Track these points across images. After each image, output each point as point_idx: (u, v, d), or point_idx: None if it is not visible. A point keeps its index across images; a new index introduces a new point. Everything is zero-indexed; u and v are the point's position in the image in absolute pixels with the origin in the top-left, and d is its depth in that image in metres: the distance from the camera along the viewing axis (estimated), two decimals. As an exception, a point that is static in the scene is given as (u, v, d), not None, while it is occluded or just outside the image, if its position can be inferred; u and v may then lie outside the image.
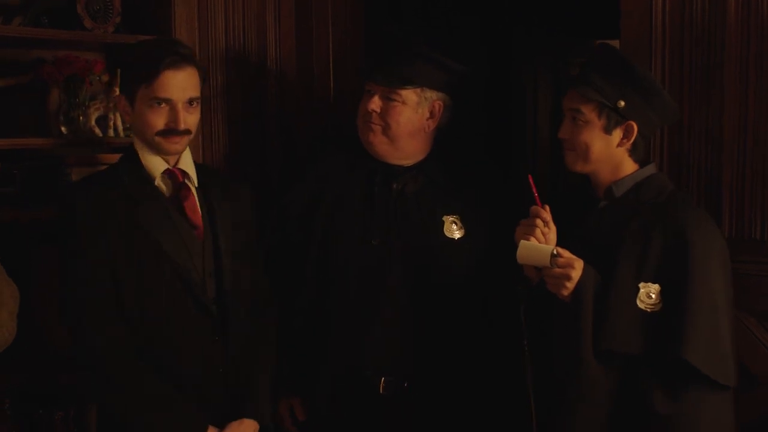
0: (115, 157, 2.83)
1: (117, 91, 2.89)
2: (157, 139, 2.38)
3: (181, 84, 2.36)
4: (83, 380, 2.48)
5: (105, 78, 2.93)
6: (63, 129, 2.89)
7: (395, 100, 2.64)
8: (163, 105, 2.36)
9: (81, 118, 2.88)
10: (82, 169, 2.81)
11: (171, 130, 2.37)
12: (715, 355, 2.19)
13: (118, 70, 2.47)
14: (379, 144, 2.68)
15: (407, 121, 2.66)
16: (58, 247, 2.39)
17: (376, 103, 2.65)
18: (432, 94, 2.68)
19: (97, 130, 2.90)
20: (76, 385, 2.77)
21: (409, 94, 2.65)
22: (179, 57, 2.36)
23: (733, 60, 2.52)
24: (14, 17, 2.86)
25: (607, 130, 2.33)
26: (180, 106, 2.37)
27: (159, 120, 2.36)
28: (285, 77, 3.25)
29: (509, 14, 5.25)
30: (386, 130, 2.66)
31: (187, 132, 2.40)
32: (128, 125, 2.94)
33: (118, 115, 2.91)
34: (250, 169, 3.15)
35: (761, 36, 2.48)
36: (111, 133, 2.91)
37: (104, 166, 2.78)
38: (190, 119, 2.40)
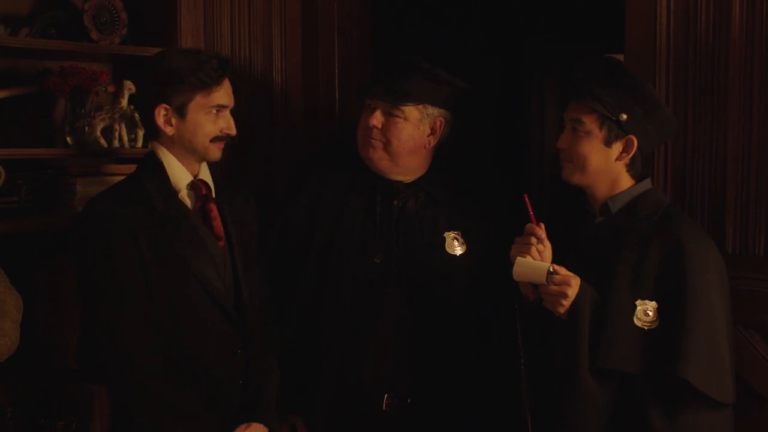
0: (119, 168, 2.86)
1: (123, 102, 2.90)
2: (210, 145, 2.41)
3: (230, 91, 2.44)
4: (112, 391, 2.50)
5: (111, 89, 2.95)
6: (68, 139, 2.90)
7: (397, 116, 2.62)
8: (217, 113, 2.40)
9: (86, 128, 2.89)
10: (87, 180, 2.82)
11: (225, 136, 2.43)
12: (713, 372, 2.18)
13: (150, 81, 2.43)
14: (379, 160, 2.67)
15: (408, 138, 2.65)
16: (80, 262, 2.38)
17: (377, 119, 2.63)
18: (434, 111, 2.66)
19: (103, 141, 2.91)
20: (82, 396, 2.78)
21: (411, 111, 2.63)
22: (229, 66, 2.44)
23: (737, 75, 2.51)
24: (21, 28, 2.89)
25: (607, 143, 2.32)
26: (228, 112, 2.43)
27: (214, 127, 2.41)
28: (291, 88, 3.27)
29: (521, 25, 5.27)
30: (387, 146, 2.65)
31: (233, 138, 2.47)
32: (130, 137, 2.97)
33: (123, 125, 2.92)
34: (254, 181, 3.15)
35: (765, 52, 2.46)
36: (116, 143, 2.92)
37: (109, 177, 2.81)
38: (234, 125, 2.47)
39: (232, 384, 2.44)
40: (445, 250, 2.67)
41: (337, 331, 2.63)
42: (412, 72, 2.62)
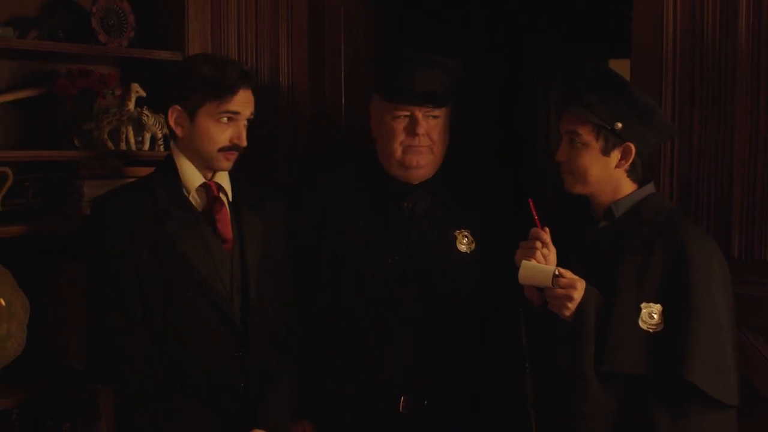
0: (127, 170, 2.86)
1: (130, 105, 2.91)
2: (218, 154, 2.41)
3: (248, 101, 2.42)
4: (114, 392, 2.50)
5: (118, 92, 2.95)
6: (76, 142, 2.92)
7: (438, 117, 2.64)
8: (227, 121, 2.40)
9: (94, 131, 2.90)
10: (94, 182, 2.82)
11: (234, 147, 2.41)
12: (718, 374, 2.19)
13: (168, 81, 2.48)
14: (426, 165, 2.67)
15: (444, 139, 2.68)
16: (86, 258, 2.42)
17: (424, 127, 2.62)
18: (449, 109, 2.70)
19: (110, 143, 2.91)
20: (87, 397, 2.79)
21: (444, 111, 2.67)
22: (250, 76, 2.44)
23: (744, 80, 2.51)
24: (30, 30, 2.89)
25: (605, 152, 2.33)
26: (242, 123, 2.42)
27: (223, 135, 2.40)
28: (297, 92, 3.27)
29: (522, 25, 5.27)
30: (432, 149, 2.66)
31: (244, 149, 2.45)
32: (137, 139, 2.97)
33: (130, 128, 2.92)
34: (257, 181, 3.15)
35: (772, 57, 2.48)
36: (123, 146, 2.92)
37: (116, 179, 2.82)
38: (245, 136, 2.45)
39: (232, 386, 2.43)
40: (456, 249, 2.68)
41: (352, 334, 2.63)
42: (437, 70, 2.63)
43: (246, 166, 3.10)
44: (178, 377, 2.35)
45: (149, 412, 2.31)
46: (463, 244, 2.69)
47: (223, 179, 2.51)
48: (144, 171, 2.76)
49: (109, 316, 2.32)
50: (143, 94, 2.91)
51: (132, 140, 2.95)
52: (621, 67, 2.72)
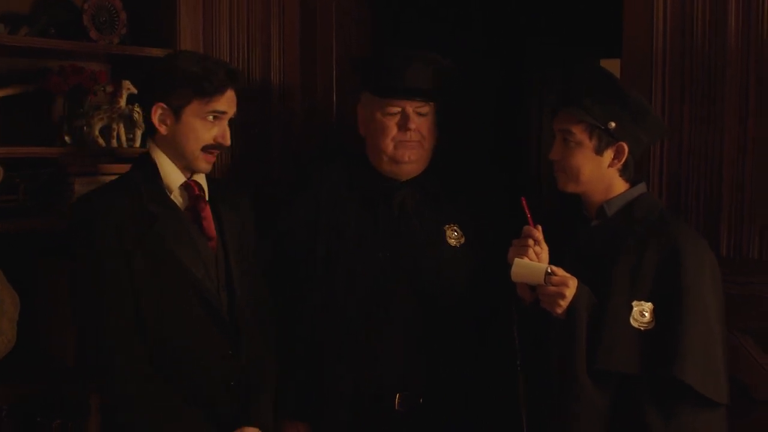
0: (117, 168, 2.85)
1: (121, 102, 2.91)
2: (200, 153, 2.41)
3: (233, 100, 2.44)
4: (101, 391, 2.51)
5: (109, 89, 2.95)
6: (67, 138, 2.92)
7: (428, 114, 2.67)
8: (213, 120, 2.40)
9: (85, 128, 2.91)
10: (85, 179, 2.82)
11: (218, 145, 2.42)
12: (709, 373, 2.19)
13: (153, 78, 2.46)
14: (417, 161, 2.69)
15: (433, 135, 2.70)
16: (73, 259, 2.40)
17: (415, 122, 2.64)
18: (438, 106, 2.70)
19: (101, 140, 2.92)
20: (80, 395, 2.79)
21: (434, 107, 2.68)
22: (238, 76, 2.45)
23: (733, 81, 2.51)
24: (21, 27, 2.89)
25: (598, 151, 2.33)
26: (226, 122, 2.43)
27: (208, 134, 2.40)
28: (289, 89, 3.28)
29: (521, 27, 5.27)
30: (423, 145, 2.67)
31: (227, 148, 2.47)
32: (128, 137, 2.98)
33: (121, 125, 2.92)
34: (251, 184, 3.15)
35: (761, 58, 2.48)
36: (114, 143, 2.93)
37: (107, 176, 2.81)
38: (229, 136, 2.45)
39: (224, 384, 2.43)
40: (446, 243, 2.69)
41: (345, 332, 2.63)
42: (426, 66, 2.64)
43: (240, 164, 3.13)
44: (178, 377, 2.35)
45: (149, 413, 2.31)
46: (453, 239, 2.70)
47: (201, 178, 2.51)
48: (135, 168, 2.76)
49: (108, 317, 2.31)
50: (134, 91, 2.91)
51: (123, 137, 2.95)
52: (611, 66, 2.72)
